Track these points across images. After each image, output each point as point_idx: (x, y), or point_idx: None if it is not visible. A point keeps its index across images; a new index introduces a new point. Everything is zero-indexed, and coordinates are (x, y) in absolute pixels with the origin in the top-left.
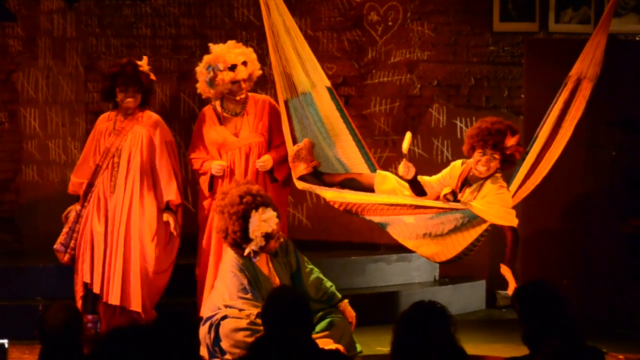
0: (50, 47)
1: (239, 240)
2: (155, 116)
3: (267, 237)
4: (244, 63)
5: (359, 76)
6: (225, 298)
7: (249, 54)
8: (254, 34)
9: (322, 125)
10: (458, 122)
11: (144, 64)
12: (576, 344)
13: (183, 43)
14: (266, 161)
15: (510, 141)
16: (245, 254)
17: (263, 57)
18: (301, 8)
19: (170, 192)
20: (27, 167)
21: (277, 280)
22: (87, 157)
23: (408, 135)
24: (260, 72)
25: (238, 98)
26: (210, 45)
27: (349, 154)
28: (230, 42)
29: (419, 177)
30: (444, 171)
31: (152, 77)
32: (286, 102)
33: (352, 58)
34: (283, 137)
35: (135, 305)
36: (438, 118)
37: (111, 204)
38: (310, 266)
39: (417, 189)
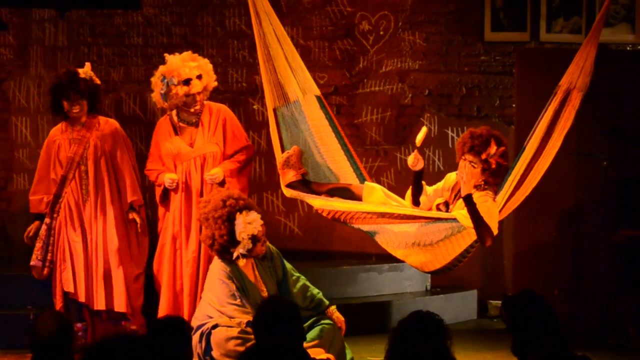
0: (41, 56)
1: (227, 244)
2: (111, 121)
3: (254, 239)
4: (199, 77)
5: (350, 85)
6: (215, 305)
7: (204, 65)
8: (245, 43)
9: (311, 134)
10: (449, 132)
11: (84, 70)
12: (565, 353)
13: (175, 52)
14: (215, 174)
15: (492, 150)
16: (233, 257)
17: (255, 66)
18: (293, 17)
19: (135, 193)
20: (18, 176)
21: (263, 287)
22: (46, 172)
23: (424, 128)
24: (216, 83)
25: (192, 110)
26: (166, 55)
27: (338, 163)
28: (186, 54)
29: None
30: (439, 183)
31: (96, 80)
32: (275, 110)
33: (344, 67)
34: (236, 147)
35: (119, 306)
36: (429, 127)
37: (86, 212)
38: (297, 274)
39: (418, 187)
